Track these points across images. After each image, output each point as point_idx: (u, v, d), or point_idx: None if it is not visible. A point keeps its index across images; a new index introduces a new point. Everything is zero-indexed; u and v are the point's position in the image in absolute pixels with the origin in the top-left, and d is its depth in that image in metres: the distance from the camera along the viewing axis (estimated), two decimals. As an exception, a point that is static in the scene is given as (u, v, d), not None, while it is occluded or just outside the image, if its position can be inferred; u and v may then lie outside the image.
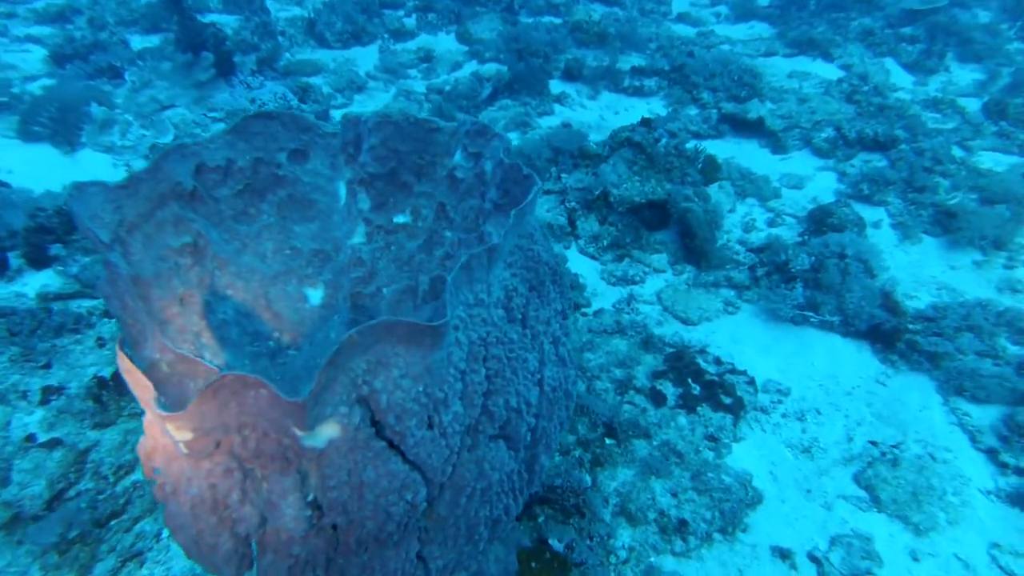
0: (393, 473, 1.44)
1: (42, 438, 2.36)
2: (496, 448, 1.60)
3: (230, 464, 1.45)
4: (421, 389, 1.43)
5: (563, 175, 3.89)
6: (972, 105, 5.20)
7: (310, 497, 1.45)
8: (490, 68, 5.38)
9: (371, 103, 5.23)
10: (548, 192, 3.88)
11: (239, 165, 2.21)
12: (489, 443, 1.59)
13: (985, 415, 2.75)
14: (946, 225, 3.76)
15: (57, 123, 4.07)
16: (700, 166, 3.92)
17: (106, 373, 2.55)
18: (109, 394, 2.48)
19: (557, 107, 4.96)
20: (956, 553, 2.33)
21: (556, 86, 5.21)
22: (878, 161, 4.44)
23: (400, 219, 2.26)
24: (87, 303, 2.92)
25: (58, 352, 2.62)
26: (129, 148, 4.11)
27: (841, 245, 3.17)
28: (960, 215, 3.68)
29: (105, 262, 2.02)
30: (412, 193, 2.24)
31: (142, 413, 2.50)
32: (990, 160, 4.41)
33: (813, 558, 2.26)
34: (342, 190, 2.36)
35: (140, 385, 1.40)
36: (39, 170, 3.92)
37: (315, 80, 5.36)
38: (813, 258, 3.16)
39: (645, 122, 3.86)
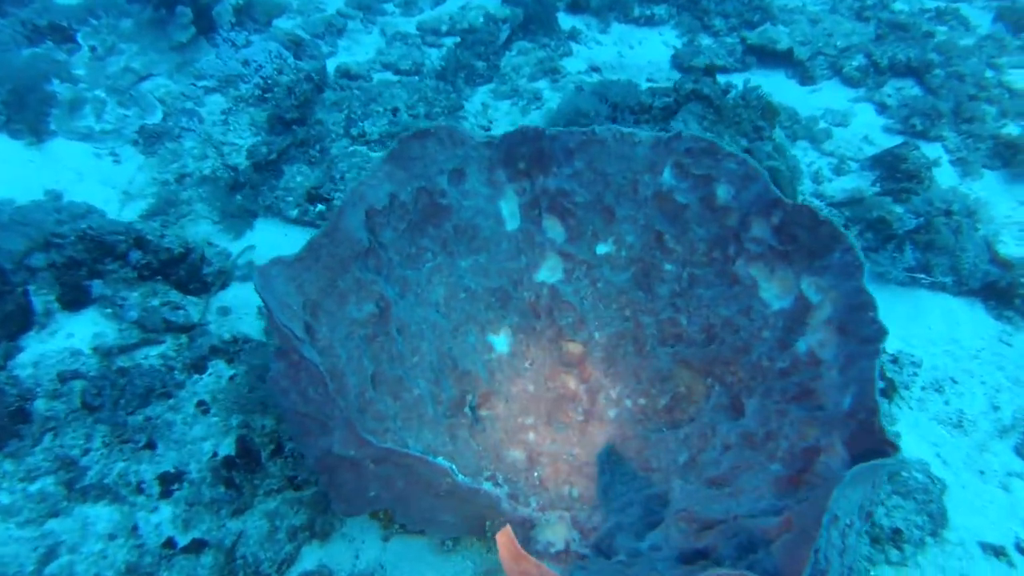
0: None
1: (182, 541, 1.98)
2: None
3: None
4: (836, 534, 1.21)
5: (626, 134, 3.57)
6: (969, 12, 5.17)
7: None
8: (486, 2, 4.84)
9: (359, 50, 4.62)
10: (613, 154, 3.56)
11: (401, 199, 1.83)
12: None
13: (1115, 368, 2.80)
14: (1007, 158, 3.74)
15: (13, 108, 3.35)
16: (759, 113, 3.68)
17: (225, 449, 2.15)
18: (240, 474, 2.10)
19: (573, 45, 4.55)
20: None
21: (564, 20, 4.76)
22: (910, 88, 4.35)
23: (602, 249, 1.95)
24: (154, 351, 2.45)
25: (157, 426, 2.18)
26: (111, 133, 3.45)
27: (946, 201, 3.07)
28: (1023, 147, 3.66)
29: (280, 352, 1.64)
30: (615, 218, 1.92)
31: (280, 489, 2.16)
32: (1022, 80, 4.40)
33: (1023, 550, 2.25)
34: (505, 210, 2.01)
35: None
36: (3, 169, 3.23)
37: (282, 23, 4.69)
38: (921, 218, 3.06)
39: (709, 71, 3.57)
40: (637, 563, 1.46)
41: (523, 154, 1.92)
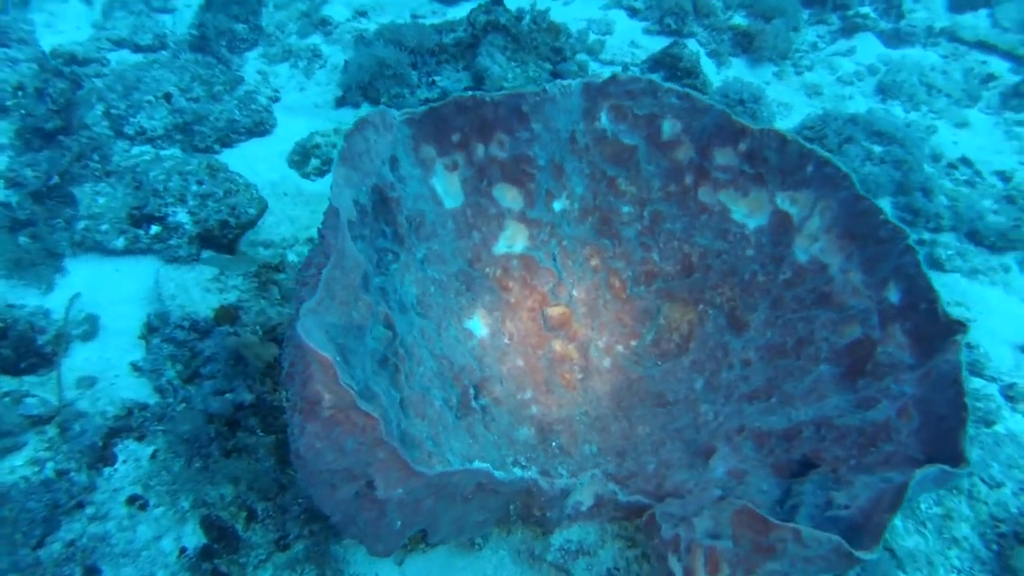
0: None
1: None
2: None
3: None
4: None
5: (435, 78, 3.44)
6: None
7: None
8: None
9: (63, 26, 3.81)
10: (428, 101, 3.42)
11: (362, 203, 1.65)
12: None
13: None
14: (745, 46, 4.27)
15: None
16: (552, 34, 3.77)
17: (191, 539, 1.81)
18: (224, 559, 1.79)
19: (326, -10, 4.19)
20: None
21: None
22: (647, -11, 4.72)
23: (559, 206, 1.90)
24: (18, 460, 1.94)
25: (88, 548, 1.76)
26: None
27: (738, 92, 3.45)
28: (757, 35, 4.20)
29: (310, 413, 1.44)
30: (564, 173, 1.88)
31: (269, 557, 1.91)
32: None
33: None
34: (439, 188, 1.90)
35: None
36: None
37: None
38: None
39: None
40: (737, 490, 1.55)
41: (459, 126, 1.78)
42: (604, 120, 1.85)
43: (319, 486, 1.56)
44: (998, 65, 4.53)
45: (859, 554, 1.11)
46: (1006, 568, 2.09)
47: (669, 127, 1.82)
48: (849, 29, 4.55)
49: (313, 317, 1.26)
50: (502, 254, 1.90)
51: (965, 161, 3.72)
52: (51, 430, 2.01)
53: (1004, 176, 3.70)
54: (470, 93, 1.73)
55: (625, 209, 1.91)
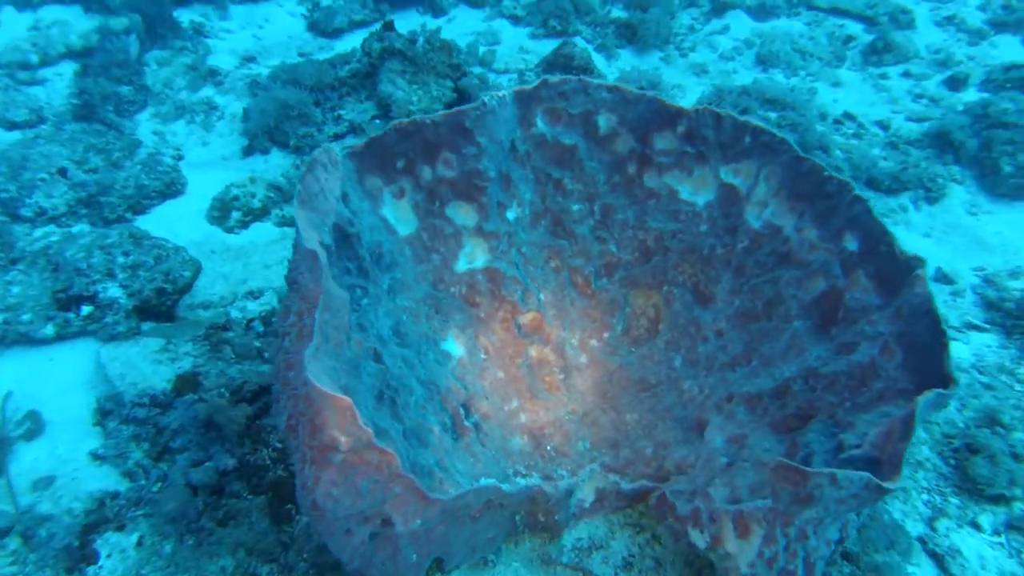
0: None
1: None
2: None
3: None
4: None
5: (340, 112, 3.40)
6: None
7: None
8: (68, 16, 4.03)
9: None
10: (339, 136, 3.38)
11: (326, 243, 1.64)
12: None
13: (785, 167, 3.64)
14: (629, 37, 4.44)
15: None
16: (447, 52, 3.80)
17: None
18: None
19: (207, 41, 4.07)
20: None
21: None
22: (523, -4, 4.82)
23: (512, 215, 1.92)
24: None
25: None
26: None
27: (636, 80, 3.58)
28: (639, 25, 4.37)
29: (323, 462, 1.42)
30: (511, 182, 1.91)
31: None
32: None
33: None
34: (391, 217, 1.90)
35: None
36: None
37: None
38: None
39: (389, 25, 3.53)
40: (742, 454, 1.60)
41: (403, 151, 1.77)
42: (540, 124, 1.89)
43: (336, 535, 1.51)
44: (853, 27, 4.89)
45: (887, 484, 1.19)
46: (965, 478, 2.24)
47: (605, 121, 1.88)
48: (719, 8, 4.79)
49: (316, 363, 1.23)
50: (465, 271, 1.90)
51: (848, 116, 3.99)
52: (13, 542, 1.86)
53: (883, 125, 3.99)
54: (409, 118, 1.73)
55: (575, 207, 1.96)
